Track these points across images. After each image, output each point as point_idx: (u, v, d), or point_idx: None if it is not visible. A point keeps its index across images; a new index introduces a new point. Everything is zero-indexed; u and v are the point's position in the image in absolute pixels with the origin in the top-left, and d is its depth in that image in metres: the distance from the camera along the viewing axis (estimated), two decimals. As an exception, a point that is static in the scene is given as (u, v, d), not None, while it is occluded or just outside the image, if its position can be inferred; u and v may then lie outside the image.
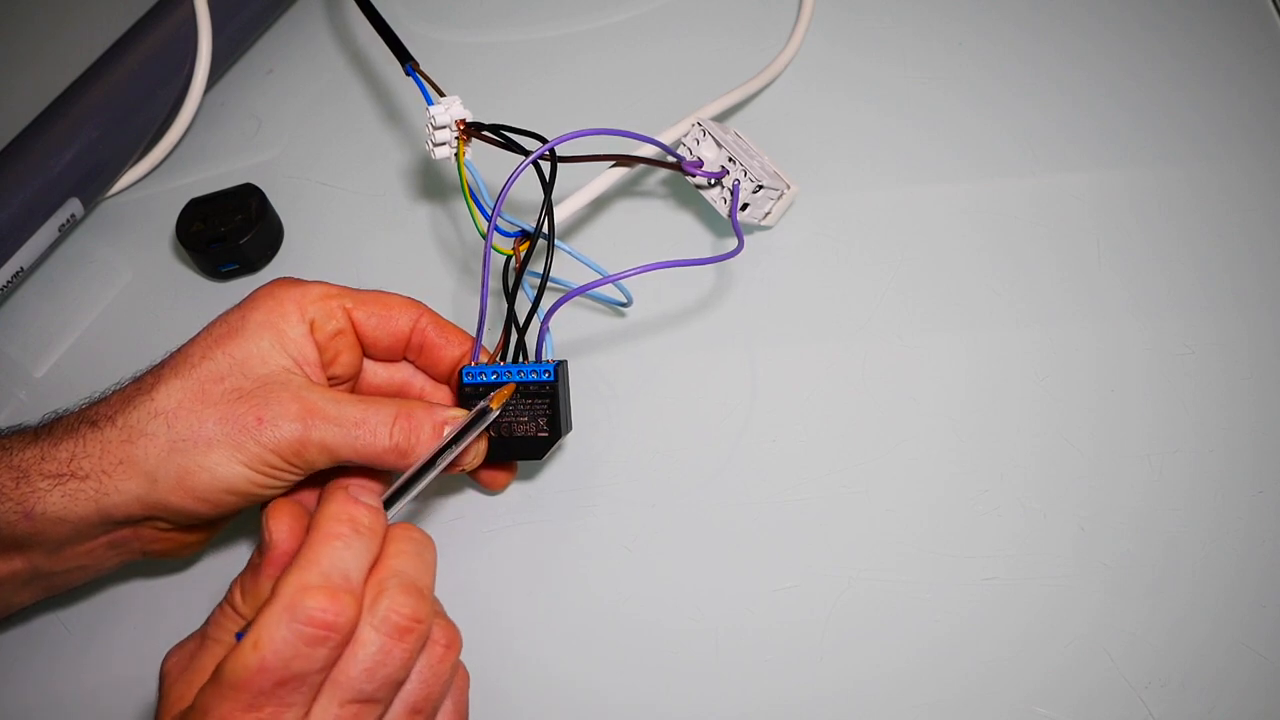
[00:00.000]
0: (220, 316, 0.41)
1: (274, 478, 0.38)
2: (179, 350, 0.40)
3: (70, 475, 0.38)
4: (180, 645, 0.35)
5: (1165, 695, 0.39)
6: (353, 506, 0.34)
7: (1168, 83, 0.53)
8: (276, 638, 0.31)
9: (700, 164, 0.47)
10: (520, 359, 0.41)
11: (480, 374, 0.41)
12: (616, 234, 0.52)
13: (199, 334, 0.40)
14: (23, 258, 0.51)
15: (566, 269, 0.45)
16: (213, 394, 0.38)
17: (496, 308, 0.47)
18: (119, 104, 0.53)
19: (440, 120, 0.41)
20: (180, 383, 0.38)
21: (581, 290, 0.41)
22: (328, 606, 0.31)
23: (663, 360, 0.48)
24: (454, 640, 0.35)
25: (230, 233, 0.51)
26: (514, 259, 0.42)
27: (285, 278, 0.42)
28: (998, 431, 0.45)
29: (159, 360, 0.40)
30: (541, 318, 0.41)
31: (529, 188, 0.42)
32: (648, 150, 0.46)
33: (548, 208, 0.40)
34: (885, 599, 0.42)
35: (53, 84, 0.54)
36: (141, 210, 0.56)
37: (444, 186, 0.55)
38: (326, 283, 0.41)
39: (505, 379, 0.40)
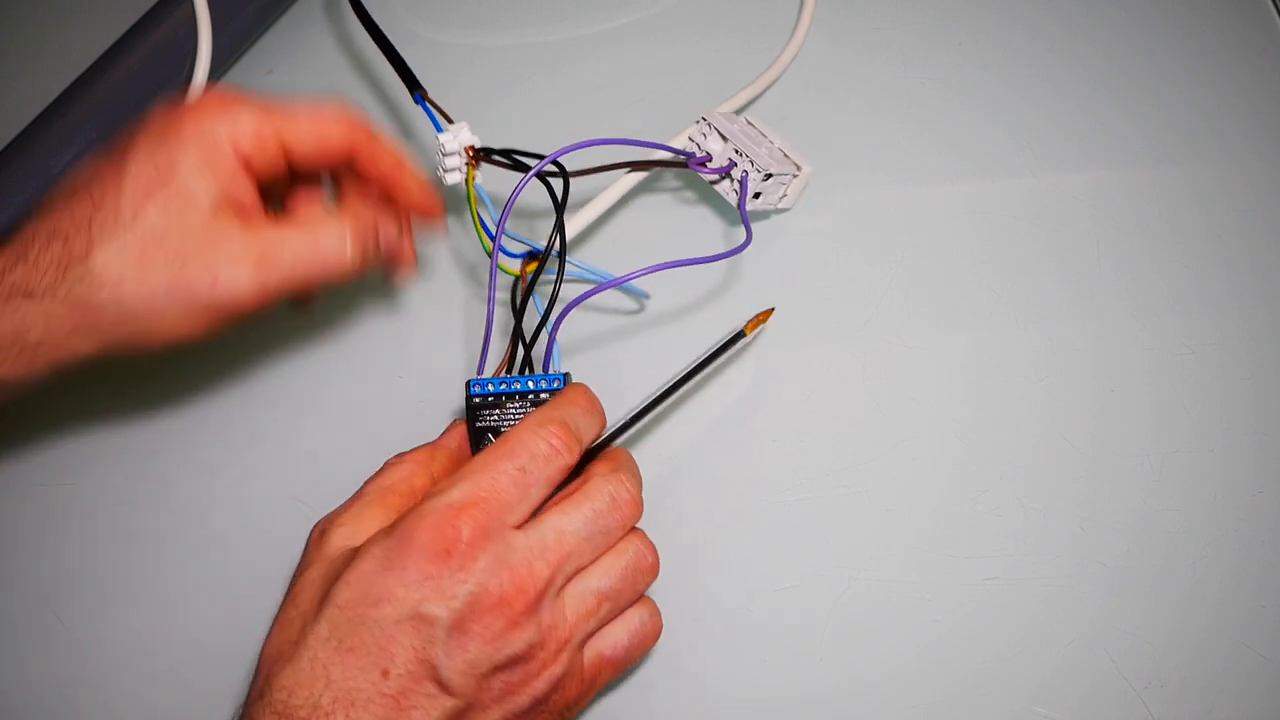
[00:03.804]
0: (144, 148, 0.37)
1: (239, 319, 0.38)
2: (102, 191, 0.37)
3: (17, 347, 0.36)
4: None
5: (1165, 695, 0.39)
6: (592, 397, 0.38)
7: (1168, 83, 0.53)
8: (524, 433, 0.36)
9: (708, 159, 0.47)
10: (526, 373, 0.41)
11: (488, 385, 0.40)
12: (631, 228, 0.51)
13: (121, 167, 0.37)
14: (23, 258, 0.51)
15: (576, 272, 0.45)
16: (155, 259, 0.36)
17: (503, 318, 0.47)
18: (119, 104, 0.53)
19: (449, 147, 0.42)
20: (117, 247, 0.36)
21: (586, 296, 0.40)
22: (557, 435, 0.36)
23: (662, 360, 0.48)
24: (656, 567, 0.38)
25: (230, 233, 0.51)
26: (521, 280, 0.42)
27: (213, 96, 0.39)
28: (998, 431, 0.45)
29: (75, 189, 0.37)
30: (550, 329, 0.41)
31: (542, 200, 0.42)
32: (655, 153, 0.47)
33: (559, 226, 0.40)
34: (885, 599, 0.42)
35: (53, 84, 0.54)
36: (141, 210, 0.56)
37: (448, 190, 0.55)
38: (256, 106, 0.39)
39: (513, 389, 0.40)
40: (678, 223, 0.51)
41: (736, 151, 0.46)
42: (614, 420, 0.39)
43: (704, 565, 0.43)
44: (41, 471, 0.48)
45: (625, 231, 0.52)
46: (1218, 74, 0.53)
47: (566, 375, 0.40)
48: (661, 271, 0.41)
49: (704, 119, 0.47)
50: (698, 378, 0.41)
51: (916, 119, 0.53)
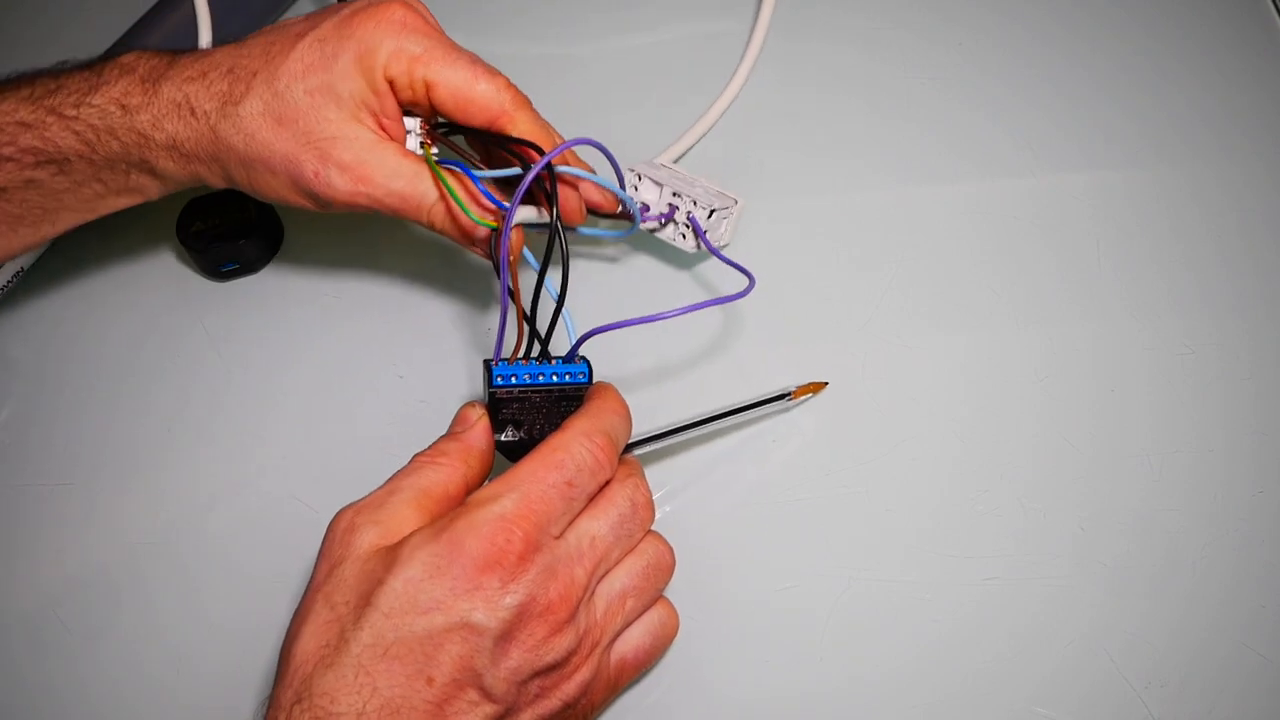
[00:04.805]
0: (327, 28, 0.40)
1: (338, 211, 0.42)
2: (277, 50, 0.41)
3: (176, 151, 0.42)
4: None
5: (1165, 695, 0.39)
6: (626, 405, 0.39)
7: (1167, 83, 0.53)
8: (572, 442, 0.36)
9: (646, 209, 0.47)
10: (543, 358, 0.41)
11: (511, 375, 0.39)
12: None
13: (300, 37, 0.40)
14: (23, 258, 0.51)
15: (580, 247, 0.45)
16: (285, 129, 0.40)
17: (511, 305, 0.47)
18: (119, 104, 0.53)
19: (408, 125, 0.42)
20: (261, 105, 0.40)
21: (627, 324, 0.39)
22: (603, 448, 0.37)
23: (662, 362, 0.48)
24: (674, 566, 0.39)
25: (230, 233, 0.51)
26: (498, 234, 0.42)
27: (404, 8, 0.41)
28: (998, 431, 0.45)
29: (271, 36, 0.41)
30: (573, 338, 0.40)
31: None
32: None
33: (554, 221, 0.40)
34: (885, 599, 0.42)
35: (53, 84, 0.54)
36: (141, 210, 0.56)
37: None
38: (431, 42, 0.41)
39: (537, 380, 0.39)
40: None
41: (675, 194, 0.46)
42: (636, 432, 0.40)
43: (704, 565, 0.43)
44: (41, 471, 0.48)
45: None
46: (1218, 74, 0.53)
47: (588, 365, 0.40)
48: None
49: (631, 169, 0.47)
50: (728, 421, 0.43)
51: (916, 119, 0.53)
